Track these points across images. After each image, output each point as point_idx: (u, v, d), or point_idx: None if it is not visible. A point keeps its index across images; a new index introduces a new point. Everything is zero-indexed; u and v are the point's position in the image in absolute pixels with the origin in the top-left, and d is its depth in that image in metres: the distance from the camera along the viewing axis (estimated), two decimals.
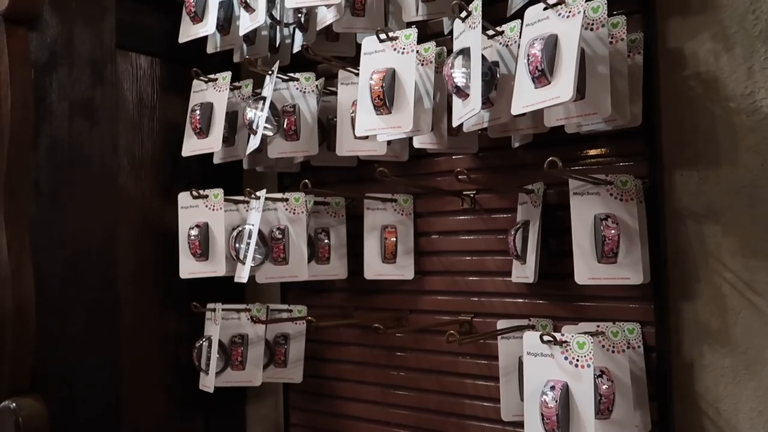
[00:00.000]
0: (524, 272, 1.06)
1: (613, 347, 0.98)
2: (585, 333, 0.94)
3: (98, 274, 1.27)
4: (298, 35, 1.29)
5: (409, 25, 1.16)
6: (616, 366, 0.96)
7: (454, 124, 0.95)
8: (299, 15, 1.23)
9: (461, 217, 1.20)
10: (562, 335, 0.88)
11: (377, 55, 1.01)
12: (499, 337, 1.08)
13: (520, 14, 0.92)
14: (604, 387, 0.94)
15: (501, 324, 1.09)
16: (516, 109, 0.86)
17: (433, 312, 1.23)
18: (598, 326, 1.00)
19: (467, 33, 0.93)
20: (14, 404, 1.08)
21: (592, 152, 1.05)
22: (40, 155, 1.21)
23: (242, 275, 1.13)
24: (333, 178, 1.33)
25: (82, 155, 1.27)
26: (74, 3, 1.28)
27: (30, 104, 1.19)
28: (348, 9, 1.17)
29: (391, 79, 0.98)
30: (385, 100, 0.97)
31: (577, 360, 0.88)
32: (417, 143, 1.11)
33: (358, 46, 1.26)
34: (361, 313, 1.32)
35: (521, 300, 1.12)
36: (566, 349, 0.89)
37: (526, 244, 1.06)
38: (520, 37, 0.91)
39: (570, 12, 0.82)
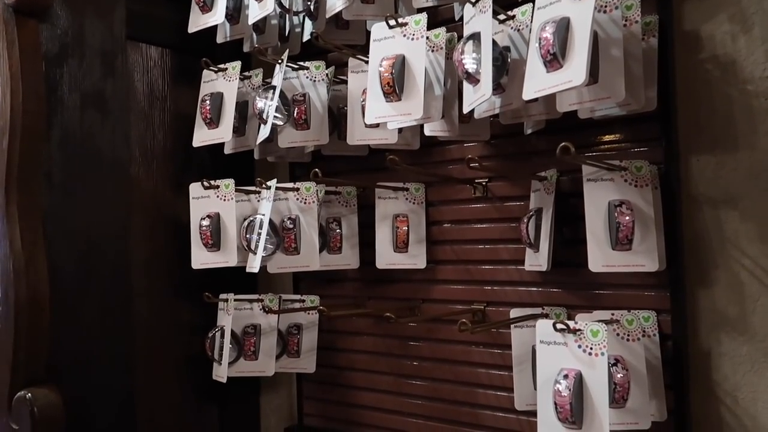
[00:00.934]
0: (537, 260, 1.05)
1: (628, 335, 0.97)
2: (599, 321, 0.93)
3: (111, 265, 1.28)
4: (308, 23, 1.28)
5: (419, 11, 1.15)
6: (631, 354, 0.95)
7: (465, 110, 0.93)
8: (308, 3, 1.22)
9: (474, 206, 1.18)
10: (576, 323, 0.87)
11: (387, 42, 1.00)
12: (512, 325, 1.07)
13: None
14: (618, 376, 0.93)
15: (514, 313, 1.08)
16: (527, 94, 0.84)
17: (445, 301, 1.22)
18: (612, 314, 0.99)
19: (478, 17, 0.91)
20: (30, 394, 1.09)
21: (607, 138, 1.03)
22: (52, 147, 1.21)
23: (253, 265, 1.13)
24: (344, 167, 1.32)
25: (94, 147, 1.27)
26: None
27: (41, 96, 1.19)
28: None
29: (400, 65, 0.97)
30: (395, 87, 0.96)
31: (591, 348, 0.87)
32: (428, 131, 1.10)
33: (369, 34, 1.25)
34: (373, 303, 1.31)
35: (534, 288, 1.11)
36: (580, 338, 0.88)
37: (539, 231, 1.04)
38: (531, 21, 0.89)
39: None
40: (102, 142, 1.29)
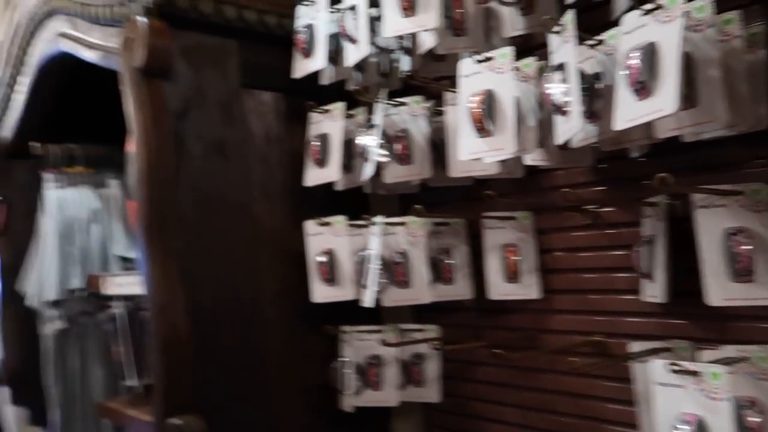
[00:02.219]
0: (653, 291, 0.98)
1: (762, 374, 0.87)
2: (726, 358, 0.85)
3: (243, 300, 1.37)
4: (406, 59, 1.29)
5: (511, 39, 1.11)
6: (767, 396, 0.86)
7: (557, 141, 0.90)
8: (401, 41, 1.23)
9: (584, 233, 1.13)
10: (693, 364, 0.80)
11: (475, 77, 0.98)
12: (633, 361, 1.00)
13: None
14: (753, 420, 0.84)
15: (634, 347, 1.01)
16: (618, 124, 0.79)
17: (563, 332, 1.17)
18: (741, 351, 0.89)
19: (563, 48, 0.87)
20: (178, 421, 1.19)
21: (718, 159, 0.94)
22: (181, 193, 1.31)
23: (366, 300, 1.16)
24: (452, 196, 1.31)
25: (219, 190, 1.37)
26: (201, 51, 1.38)
27: (170, 148, 1.30)
28: (449, 30, 1.15)
29: (489, 100, 0.95)
30: (485, 122, 0.94)
31: (714, 392, 0.80)
32: (528, 159, 1.07)
33: None
34: (490, 333, 1.29)
35: (654, 320, 1.04)
36: (699, 381, 0.81)
37: (653, 260, 0.97)
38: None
39: (668, 17, 0.74)
40: (225, 185, 1.38)
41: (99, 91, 1.39)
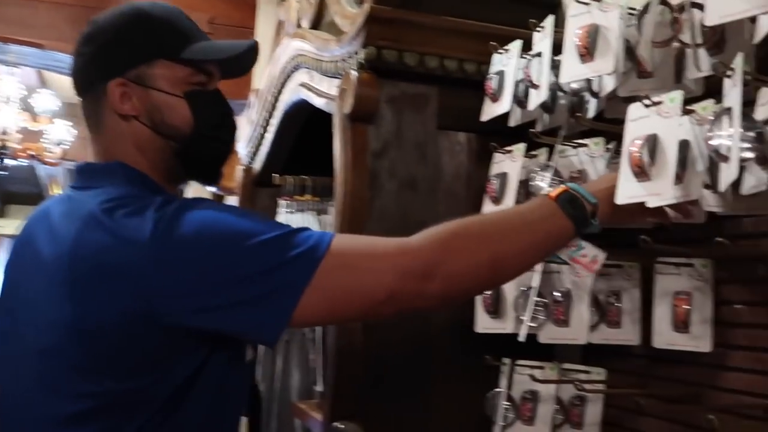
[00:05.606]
0: None
1: None
2: None
3: (415, 326, 1.48)
4: (593, 102, 1.33)
5: (705, 80, 1.11)
6: None
7: (720, 189, 0.89)
8: (589, 82, 1.27)
9: (763, 286, 1.07)
10: None
11: (642, 122, 1.01)
12: None
13: None
14: None
15: None
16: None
17: (734, 391, 1.11)
18: None
19: (731, 91, 0.87)
20: (342, 425, 1.34)
21: None
22: (372, 224, 1.48)
23: (522, 333, 1.21)
24: (627, 238, 1.30)
25: (408, 223, 1.50)
26: (404, 98, 1.55)
27: (365, 184, 1.48)
28: (633, 71, 1.17)
29: (651, 145, 0.97)
30: (643, 167, 0.96)
31: None
32: (706, 206, 1.05)
33: None
34: (655, 383, 1.25)
35: None
36: None
37: None
38: None
39: None
40: (414, 218, 1.51)
41: (328, 133, 1.64)
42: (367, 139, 1.49)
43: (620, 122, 1.30)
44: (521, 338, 1.21)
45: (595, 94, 1.29)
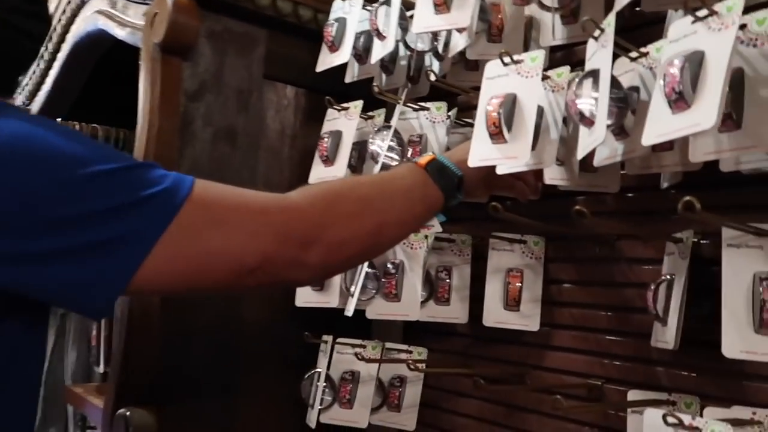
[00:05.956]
0: (664, 336, 0.89)
1: None
2: (736, 419, 0.76)
3: (224, 299, 1.30)
4: (436, 64, 1.24)
5: (552, 50, 1.06)
6: None
7: (579, 155, 0.83)
8: (435, 43, 1.18)
9: (598, 266, 1.05)
10: (695, 420, 0.71)
11: (499, 80, 0.92)
12: (629, 410, 0.91)
13: None
14: None
15: (632, 395, 0.93)
16: (648, 139, 0.72)
17: (559, 371, 1.08)
18: (754, 413, 0.80)
19: (598, 52, 0.81)
20: (128, 413, 1.12)
21: (760, 197, 0.86)
22: None
23: (349, 308, 1.08)
24: (464, 212, 1.24)
25: (221, 178, 1.30)
26: (228, 35, 1.35)
27: (175, 129, 1.26)
28: (484, 34, 1.10)
29: (510, 105, 0.89)
30: (501, 127, 0.88)
31: None
32: (547, 179, 1.00)
33: None
34: (481, 363, 1.20)
35: (661, 368, 0.95)
36: None
37: (669, 302, 0.89)
38: None
39: (723, 24, 0.68)
40: (229, 174, 1.32)
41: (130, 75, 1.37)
42: (181, 77, 1.27)
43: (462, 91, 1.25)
44: (348, 312, 1.09)
45: (439, 57, 1.21)
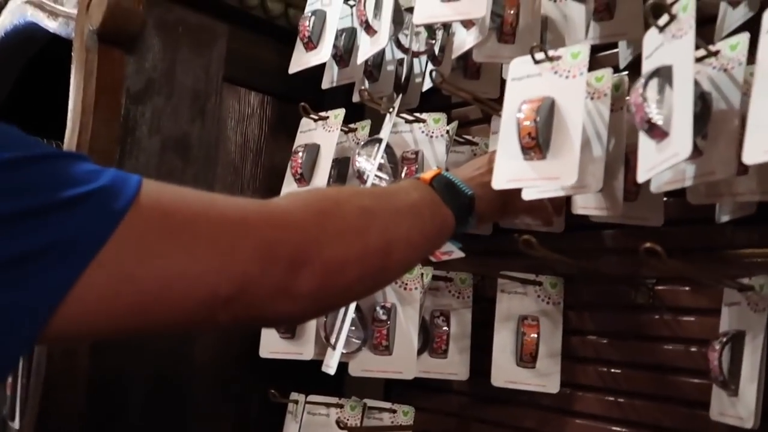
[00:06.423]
0: (735, 409, 0.70)
1: None
2: None
3: (171, 339, 1.07)
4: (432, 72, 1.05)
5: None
6: None
7: (641, 177, 0.64)
8: (432, 42, 0.99)
9: (634, 315, 0.86)
10: None
11: (530, 81, 0.73)
12: None
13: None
14: None
15: None
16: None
17: None
18: None
19: (668, 46, 0.63)
20: None
21: None
22: None
23: (330, 364, 0.86)
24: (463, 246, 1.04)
25: None
26: (182, 27, 1.13)
27: (114, 135, 1.03)
28: (494, 32, 0.91)
29: (548, 111, 0.69)
30: (538, 139, 0.68)
31: None
32: (579, 208, 0.81)
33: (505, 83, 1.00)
34: (483, 429, 0.99)
35: None
36: None
37: (738, 365, 0.71)
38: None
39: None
40: None
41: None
42: (123, 73, 1.04)
43: (459, 104, 1.07)
44: (329, 369, 0.86)
45: (436, 61, 1.02)
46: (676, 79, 0.59)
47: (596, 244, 0.91)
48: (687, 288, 0.82)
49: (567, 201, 0.85)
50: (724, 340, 0.72)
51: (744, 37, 0.64)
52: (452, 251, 0.84)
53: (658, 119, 0.60)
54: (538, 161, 0.69)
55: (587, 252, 0.91)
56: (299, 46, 1.08)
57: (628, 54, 0.86)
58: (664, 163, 0.60)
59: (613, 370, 0.88)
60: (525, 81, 0.73)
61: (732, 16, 0.74)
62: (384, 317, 0.92)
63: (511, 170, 0.71)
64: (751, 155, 0.54)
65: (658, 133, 0.60)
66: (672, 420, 0.81)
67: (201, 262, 0.52)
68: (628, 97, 0.69)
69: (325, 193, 0.69)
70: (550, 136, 0.69)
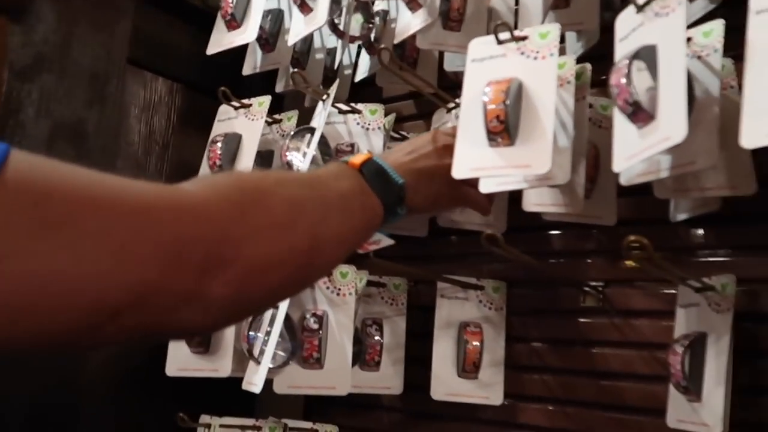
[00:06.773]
0: (698, 415, 0.67)
1: None
2: None
3: (57, 362, 0.91)
4: (364, 60, 0.98)
5: None
6: None
7: (618, 167, 0.59)
8: (370, 25, 0.92)
9: (582, 319, 0.82)
10: None
11: (494, 62, 0.67)
12: None
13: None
14: None
15: None
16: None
17: None
18: None
19: (649, 25, 0.59)
20: None
21: None
22: None
23: (254, 381, 0.75)
24: (397, 249, 0.96)
25: None
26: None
27: None
28: (439, 19, 0.85)
29: (516, 93, 0.64)
30: (507, 123, 0.62)
31: None
32: (532, 204, 0.76)
33: (444, 76, 0.95)
34: None
35: None
36: None
37: (700, 369, 0.67)
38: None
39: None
40: None
41: None
42: (5, 43, 0.89)
43: (393, 98, 1.00)
44: (254, 388, 0.75)
45: (371, 50, 0.95)
46: (664, 59, 0.55)
47: (542, 246, 0.86)
48: (638, 290, 0.79)
49: (517, 197, 0.80)
50: (687, 343, 0.68)
51: (718, 24, 0.62)
52: (380, 239, 0.76)
53: (644, 101, 0.56)
54: (505, 147, 0.63)
55: (532, 254, 0.86)
56: (220, 24, 0.97)
57: (579, 47, 0.83)
58: (649, 149, 0.55)
59: (559, 378, 0.83)
60: (488, 62, 0.67)
61: (691, 9, 0.72)
62: (315, 326, 0.82)
63: (474, 158, 0.64)
64: (750, 139, 0.50)
65: (642, 116, 0.55)
66: (624, 428, 0.77)
67: (84, 262, 0.40)
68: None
69: (247, 178, 0.58)
70: (518, 121, 0.63)
